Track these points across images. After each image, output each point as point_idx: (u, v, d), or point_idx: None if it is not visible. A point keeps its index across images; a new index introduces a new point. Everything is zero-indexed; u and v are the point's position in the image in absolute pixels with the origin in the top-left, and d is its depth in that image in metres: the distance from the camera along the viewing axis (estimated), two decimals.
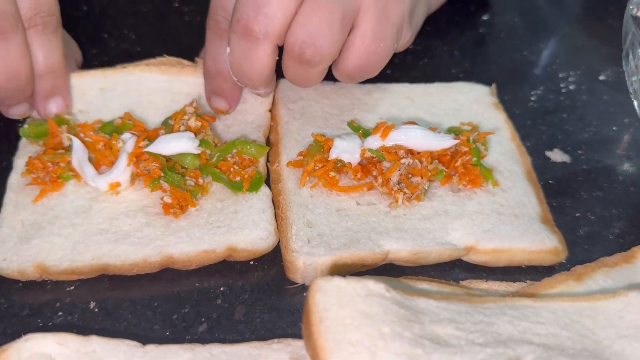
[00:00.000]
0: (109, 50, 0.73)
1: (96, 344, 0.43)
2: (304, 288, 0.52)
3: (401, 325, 0.39)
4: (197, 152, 0.54)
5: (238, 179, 0.55)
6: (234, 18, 0.54)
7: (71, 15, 0.77)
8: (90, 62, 0.71)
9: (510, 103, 0.68)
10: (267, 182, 0.58)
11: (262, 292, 0.51)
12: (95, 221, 0.52)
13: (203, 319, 0.49)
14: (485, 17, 0.82)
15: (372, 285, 0.41)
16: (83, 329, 0.46)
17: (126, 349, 0.43)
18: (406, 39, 0.63)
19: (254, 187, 0.55)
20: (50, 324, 0.48)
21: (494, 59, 0.76)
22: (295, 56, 0.54)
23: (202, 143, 0.55)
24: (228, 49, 0.56)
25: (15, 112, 0.59)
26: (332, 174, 0.56)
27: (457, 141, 0.56)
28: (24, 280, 0.50)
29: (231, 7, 0.56)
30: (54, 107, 0.59)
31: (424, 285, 0.47)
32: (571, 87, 0.72)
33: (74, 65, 0.65)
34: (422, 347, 0.38)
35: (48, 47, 0.57)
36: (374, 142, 0.56)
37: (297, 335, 0.46)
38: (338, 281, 0.40)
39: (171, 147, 0.54)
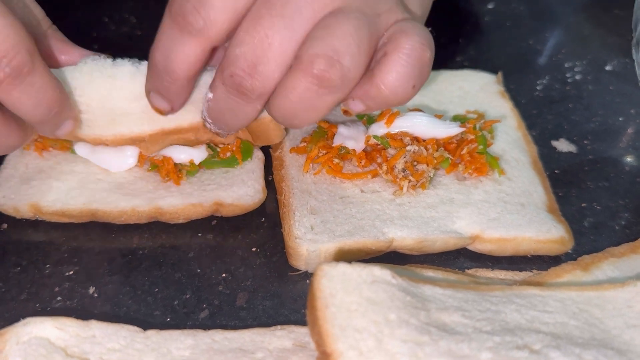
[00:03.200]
0: (109, 34, 0.72)
1: (96, 328, 0.42)
2: (307, 275, 0.51)
3: (407, 312, 0.39)
4: (205, 155, 0.55)
5: (229, 154, 0.56)
6: (227, 70, 0.45)
7: None
8: (90, 45, 0.69)
9: (515, 92, 0.67)
10: (269, 168, 0.58)
11: (265, 279, 0.50)
12: (94, 171, 0.55)
13: (204, 305, 0.48)
14: (490, 6, 0.81)
15: (378, 272, 0.40)
16: (82, 314, 0.45)
17: (126, 334, 0.42)
18: None
19: (247, 155, 0.56)
20: (48, 308, 0.47)
21: (499, 48, 0.75)
22: (312, 74, 0.43)
23: (209, 147, 0.56)
24: (210, 94, 0.47)
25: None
26: (336, 160, 0.55)
27: (463, 129, 0.56)
28: (18, 217, 0.53)
29: (210, 1, 0.44)
30: (62, 133, 0.50)
31: (429, 273, 0.46)
32: (577, 76, 0.72)
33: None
34: (428, 335, 0.37)
35: (33, 93, 0.44)
36: (379, 129, 0.55)
37: (300, 322, 0.46)
38: (343, 267, 0.40)
39: (182, 158, 0.54)
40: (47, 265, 0.50)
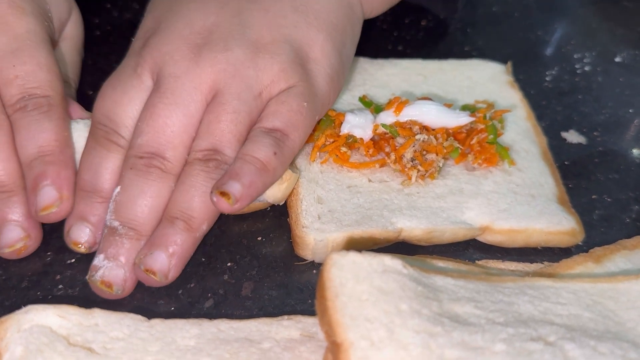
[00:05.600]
0: (112, 20, 0.70)
1: (99, 317, 0.41)
2: (313, 265, 0.50)
3: (419, 302, 0.38)
4: None
5: None
6: (132, 157, 0.46)
7: None
8: (93, 31, 0.68)
9: (524, 83, 0.66)
10: None
11: (270, 269, 0.49)
12: None
13: (209, 295, 0.47)
14: None
15: (389, 261, 0.39)
16: (85, 302, 0.44)
17: (130, 323, 0.41)
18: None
19: None
20: (50, 296, 0.46)
21: (507, 38, 0.74)
22: (199, 162, 0.47)
23: None
24: (117, 188, 0.46)
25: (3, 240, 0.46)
26: (343, 149, 0.54)
27: (473, 118, 0.55)
28: None
29: (119, 119, 0.48)
30: (40, 202, 0.45)
31: (439, 263, 0.46)
32: (586, 68, 0.71)
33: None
34: (441, 325, 0.37)
35: (35, 128, 0.46)
36: (387, 117, 0.54)
37: (307, 312, 0.45)
38: (354, 256, 0.39)
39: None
40: (49, 253, 0.49)
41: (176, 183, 0.47)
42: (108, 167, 0.47)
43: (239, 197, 0.44)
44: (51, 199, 0.45)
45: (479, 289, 0.41)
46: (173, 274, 0.45)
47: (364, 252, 0.39)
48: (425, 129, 0.54)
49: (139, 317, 0.42)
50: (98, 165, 0.47)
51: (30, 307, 0.41)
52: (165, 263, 0.44)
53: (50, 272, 0.48)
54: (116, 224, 0.46)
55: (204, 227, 0.47)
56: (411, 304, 0.37)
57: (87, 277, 0.45)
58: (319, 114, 0.52)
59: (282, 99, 0.49)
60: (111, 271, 0.44)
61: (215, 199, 0.44)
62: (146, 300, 0.47)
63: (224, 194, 0.44)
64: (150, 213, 0.46)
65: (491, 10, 0.78)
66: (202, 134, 0.48)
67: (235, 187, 0.44)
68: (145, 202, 0.46)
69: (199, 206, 0.46)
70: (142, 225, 0.46)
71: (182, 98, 0.48)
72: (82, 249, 0.47)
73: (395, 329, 0.35)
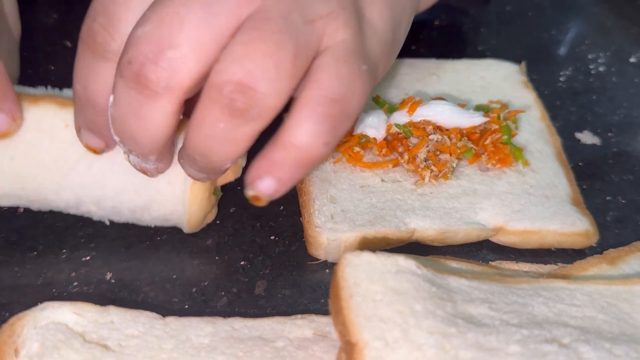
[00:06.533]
0: None
1: (114, 314, 0.41)
2: (326, 264, 0.50)
3: (433, 303, 0.38)
4: None
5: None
6: (125, 57, 0.37)
7: None
8: None
9: (538, 83, 0.66)
10: None
11: (283, 268, 0.50)
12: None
13: (223, 293, 0.48)
14: None
15: (403, 262, 0.39)
16: (100, 300, 0.44)
17: (145, 321, 0.41)
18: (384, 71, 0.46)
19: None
20: (65, 294, 0.47)
21: (521, 37, 0.74)
22: (222, 102, 0.36)
23: None
24: (111, 98, 0.39)
25: None
26: (356, 149, 0.54)
27: (487, 118, 0.54)
28: None
29: (118, 17, 0.39)
30: None
31: (453, 264, 0.46)
32: (601, 68, 0.70)
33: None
34: (455, 326, 0.37)
35: None
36: (401, 117, 0.54)
37: (319, 311, 0.45)
38: (367, 256, 0.39)
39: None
40: (64, 251, 0.49)
41: (192, 113, 0.38)
42: (97, 79, 0.40)
43: (274, 196, 0.38)
44: (5, 126, 0.44)
45: (493, 290, 0.41)
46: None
47: (378, 252, 0.39)
48: (438, 129, 0.54)
49: (154, 314, 0.42)
50: (87, 77, 0.40)
51: (46, 304, 0.41)
52: (197, 176, 0.43)
53: (65, 269, 0.48)
54: (117, 139, 0.41)
55: (227, 166, 0.41)
56: (425, 304, 0.37)
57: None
58: (371, 87, 0.41)
59: (340, 53, 0.38)
60: (141, 163, 0.42)
61: (247, 195, 0.38)
62: (160, 299, 0.47)
63: (257, 198, 0.38)
64: (150, 136, 0.39)
65: (504, 9, 0.78)
66: (230, 58, 0.36)
67: (270, 187, 0.38)
68: (141, 125, 0.38)
69: (221, 151, 0.38)
70: (144, 147, 0.40)
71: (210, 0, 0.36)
72: (95, 152, 0.44)
73: (409, 330, 0.35)
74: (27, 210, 0.52)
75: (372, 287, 0.37)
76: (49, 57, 0.66)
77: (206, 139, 0.38)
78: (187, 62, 0.36)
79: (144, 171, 0.44)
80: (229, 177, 0.51)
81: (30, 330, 0.39)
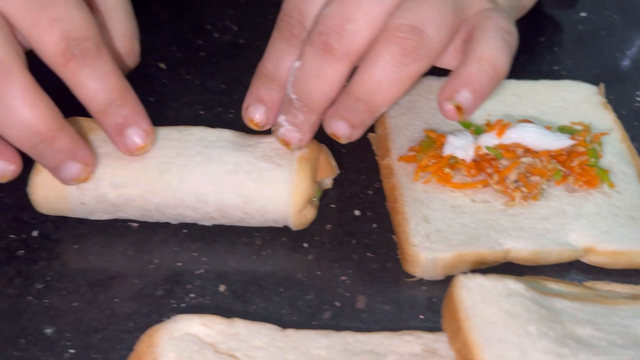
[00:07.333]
0: (213, 41, 0.75)
1: (239, 326, 0.45)
2: (422, 281, 0.53)
3: (544, 324, 0.40)
4: None
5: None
6: (315, 30, 0.48)
7: (174, 3, 0.80)
8: (197, 52, 0.73)
9: (615, 103, 0.67)
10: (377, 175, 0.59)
11: (381, 284, 0.53)
12: None
13: (326, 306, 0.51)
14: (583, 14, 0.81)
15: (513, 285, 0.42)
16: (218, 311, 0.48)
17: (268, 332, 0.44)
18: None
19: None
20: (183, 305, 0.50)
21: (595, 57, 0.75)
22: (396, 41, 0.46)
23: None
24: (297, 63, 0.50)
25: (67, 175, 0.48)
26: (446, 170, 0.57)
27: (574, 141, 0.57)
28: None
29: (308, 11, 0.50)
30: (135, 139, 0.50)
31: (552, 285, 0.48)
32: None
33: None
34: (567, 347, 0.39)
35: (96, 77, 0.46)
36: (490, 139, 0.57)
37: (419, 327, 0.47)
38: (480, 279, 0.41)
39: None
40: (179, 264, 0.53)
41: (363, 59, 0.47)
42: (288, 60, 0.51)
43: (469, 109, 0.47)
44: (142, 139, 0.50)
45: (596, 312, 0.43)
46: (354, 138, 0.53)
47: (488, 275, 0.42)
48: (527, 151, 0.56)
49: (274, 326, 0.46)
50: (279, 58, 0.51)
51: (178, 316, 0.45)
52: (347, 131, 0.51)
53: (182, 281, 0.52)
54: (293, 97, 0.50)
55: (383, 110, 0.49)
56: (538, 326, 0.40)
57: (272, 129, 0.53)
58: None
59: (491, 12, 0.50)
60: (290, 132, 0.51)
61: (446, 108, 0.47)
62: (270, 310, 0.50)
63: (458, 107, 0.46)
64: (324, 93, 0.49)
65: (577, 28, 0.79)
66: (404, 8, 0.47)
67: (468, 99, 0.46)
68: (319, 83, 0.48)
69: (386, 89, 0.47)
70: (315, 102, 0.50)
71: None
72: (256, 127, 0.53)
73: (526, 350, 0.38)
74: (142, 226, 0.56)
75: (488, 309, 0.40)
76: (144, 77, 0.70)
77: (376, 77, 0.47)
78: (362, 33, 0.46)
79: (288, 142, 0.52)
80: (326, 173, 0.56)
81: (166, 342, 0.43)
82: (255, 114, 0.53)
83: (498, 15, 0.51)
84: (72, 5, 0.45)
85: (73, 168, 0.48)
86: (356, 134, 0.52)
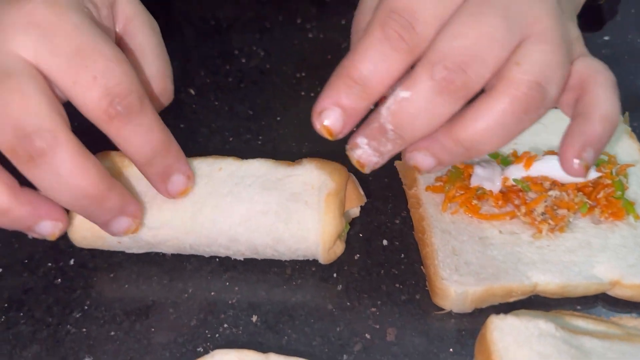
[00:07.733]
0: (241, 66, 0.76)
1: None
2: (451, 314, 0.54)
3: None
4: None
5: None
6: (438, 63, 0.42)
7: (201, 28, 0.81)
8: (225, 78, 0.74)
9: (639, 130, 0.68)
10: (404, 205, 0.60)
11: (411, 316, 0.54)
12: None
13: (357, 338, 0.52)
14: (606, 37, 0.82)
15: (543, 325, 0.43)
16: (250, 342, 0.49)
17: None
18: None
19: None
20: (217, 335, 0.52)
21: (620, 82, 0.75)
22: (522, 98, 0.43)
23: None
24: (405, 93, 0.43)
25: (116, 230, 0.49)
26: (474, 201, 0.58)
27: (600, 174, 0.57)
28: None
29: (421, 13, 0.43)
30: (178, 185, 0.51)
31: (579, 322, 0.48)
32: None
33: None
34: None
35: (140, 132, 0.46)
36: (517, 171, 0.57)
37: None
38: (512, 320, 0.42)
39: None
40: (212, 293, 0.55)
41: (476, 100, 0.43)
42: (389, 68, 0.43)
43: (591, 166, 0.47)
44: (184, 185, 0.52)
45: (624, 351, 0.44)
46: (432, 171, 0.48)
47: (520, 315, 0.43)
48: (554, 183, 0.57)
49: None
50: (377, 62, 0.43)
51: (216, 351, 0.46)
52: (431, 166, 0.47)
53: (215, 311, 0.53)
54: (389, 127, 0.44)
55: (485, 151, 0.45)
56: None
57: (346, 147, 0.46)
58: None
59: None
60: (369, 157, 0.46)
61: (576, 167, 0.46)
62: (302, 341, 0.51)
63: (586, 166, 0.46)
64: (428, 130, 0.44)
65: (600, 52, 0.79)
66: (526, 62, 0.43)
67: (592, 157, 0.46)
68: (428, 120, 0.43)
69: (495, 141, 0.44)
70: (415, 138, 0.44)
71: (515, 15, 0.43)
72: (329, 135, 0.45)
73: None
74: (175, 256, 0.57)
75: (520, 351, 0.41)
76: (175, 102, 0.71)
77: (490, 127, 0.43)
78: (487, 76, 0.42)
79: (364, 165, 0.46)
80: (354, 202, 0.56)
81: None
82: (330, 120, 0.44)
83: (603, 66, 0.51)
84: (113, 60, 0.44)
85: (123, 222, 0.49)
86: (437, 169, 0.48)
